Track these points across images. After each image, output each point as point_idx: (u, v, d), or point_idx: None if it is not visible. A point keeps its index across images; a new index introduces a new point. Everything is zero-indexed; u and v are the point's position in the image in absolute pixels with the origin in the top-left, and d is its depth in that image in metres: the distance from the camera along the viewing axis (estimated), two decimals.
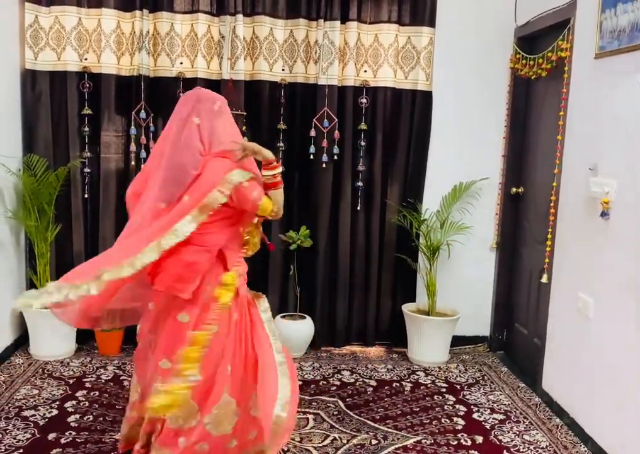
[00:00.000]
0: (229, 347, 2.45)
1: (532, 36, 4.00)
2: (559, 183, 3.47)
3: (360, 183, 4.22)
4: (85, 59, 3.96)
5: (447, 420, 3.29)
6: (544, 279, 3.55)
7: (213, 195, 2.32)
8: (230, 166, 2.37)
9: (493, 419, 3.33)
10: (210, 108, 2.43)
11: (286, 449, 2.89)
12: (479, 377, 3.91)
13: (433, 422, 3.24)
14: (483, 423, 3.27)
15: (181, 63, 4.00)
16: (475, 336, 4.44)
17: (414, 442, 3.02)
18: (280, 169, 2.47)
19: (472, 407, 3.46)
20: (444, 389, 3.68)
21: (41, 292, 2.32)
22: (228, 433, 2.46)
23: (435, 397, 3.57)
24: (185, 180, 2.36)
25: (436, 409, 3.41)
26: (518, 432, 3.18)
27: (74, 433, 2.98)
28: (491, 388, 3.74)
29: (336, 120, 4.09)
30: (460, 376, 3.90)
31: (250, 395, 2.49)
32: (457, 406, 3.46)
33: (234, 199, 2.36)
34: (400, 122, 4.20)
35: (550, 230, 3.53)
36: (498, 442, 3.07)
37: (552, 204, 3.51)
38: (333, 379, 3.76)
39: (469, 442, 3.06)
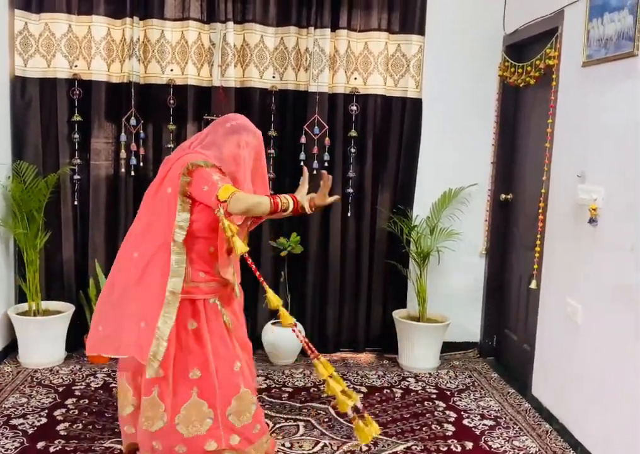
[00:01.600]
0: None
1: (521, 44, 4.03)
2: (547, 190, 3.50)
3: (351, 190, 4.23)
4: (76, 66, 3.95)
5: (437, 426, 3.29)
6: (533, 285, 3.57)
7: (181, 180, 2.36)
8: (200, 157, 2.42)
9: (483, 424, 3.34)
10: (222, 125, 2.54)
11: None
12: (469, 383, 3.92)
13: (424, 429, 3.25)
14: (473, 429, 3.28)
15: (172, 70, 4.01)
16: (465, 342, 4.46)
17: (404, 448, 3.03)
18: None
19: (462, 413, 3.47)
20: (434, 396, 3.69)
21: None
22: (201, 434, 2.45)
23: (425, 403, 3.58)
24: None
25: (427, 415, 3.41)
26: (507, 438, 3.19)
27: (63, 441, 2.96)
28: (481, 394, 3.75)
29: (327, 127, 4.11)
30: (450, 382, 3.91)
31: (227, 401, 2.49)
32: (447, 412, 3.47)
33: (192, 185, 2.34)
34: (391, 129, 4.22)
35: (539, 236, 3.56)
36: (488, 448, 3.08)
37: (540, 211, 3.54)
38: (323, 386, 3.74)
39: (459, 449, 3.06)
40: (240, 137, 2.48)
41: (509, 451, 3.06)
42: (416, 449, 3.03)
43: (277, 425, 3.20)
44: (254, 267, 2.32)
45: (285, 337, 4.02)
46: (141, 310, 2.41)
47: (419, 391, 3.75)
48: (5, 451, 2.84)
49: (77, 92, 3.97)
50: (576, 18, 3.21)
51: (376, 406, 3.50)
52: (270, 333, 4.06)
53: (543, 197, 3.52)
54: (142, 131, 4.03)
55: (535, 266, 3.57)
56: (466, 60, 4.23)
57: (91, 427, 3.11)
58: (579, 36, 3.18)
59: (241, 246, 2.24)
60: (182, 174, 2.35)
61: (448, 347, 4.30)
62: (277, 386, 3.73)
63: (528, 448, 3.09)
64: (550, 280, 3.44)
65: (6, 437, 2.97)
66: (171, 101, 4.03)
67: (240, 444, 2.49)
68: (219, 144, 2.46)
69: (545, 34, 3.62)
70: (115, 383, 3.65)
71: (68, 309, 4.00)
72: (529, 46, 3.95)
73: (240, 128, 2.50)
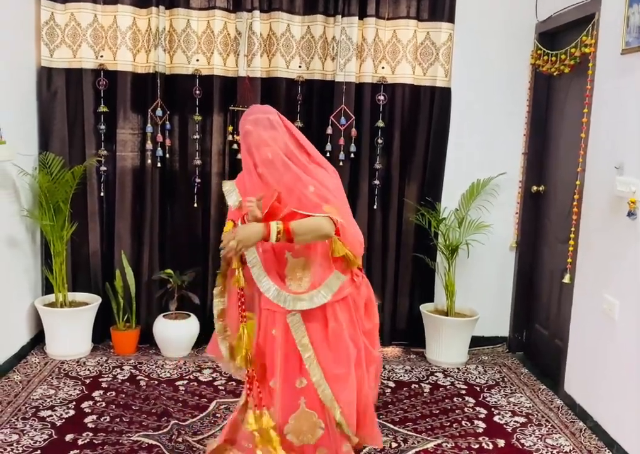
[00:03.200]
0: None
1: (554, 31, 3.92)
2: (582, 182, 3.40)
3: (377, 182, 4.16)
4: (101, 56, 3.92)
5: (468, 422, 3.23)
6: (566, 279, 3.48)
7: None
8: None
9: (514, 421, 3.27)
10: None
11: None
12: (498, 378, 3.85)
13: (454, 425, 3.19)
14: (504, 426, 3.21)
15: (197, 60, 3.96)
16: (494, 336, 4.38)
17: (434, 445, 2.97)
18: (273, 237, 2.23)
19: (492, 409, 3.40)
20: (464, 391, 3.63)
21: None
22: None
23: (455, 399, 3.51)
24: None
25: (456, 411, 3.35)
26: (540, 436, 3.12)
27: (91, 434, 2.95)
28: (511, 390, 3.67)
29: (353, 117, 4.04)
30: (479, 378, 3.85)
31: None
32: (477, 408, 3.41)
33: None
34: (419, 119, 4.13)
35: (573, 229, 3.46)
36: (520, 446, 3.01)
37: (575, 203, 3.44)
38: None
39: (491, 446, 3.00)
40: None
41: (542, 449, 2.99)
42: (446, 446, 2.97)
43: None
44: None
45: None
46: None
47: (448, 387, 3.69)
48: (34, 443, 2.84)
49: (103, 82, 3.94)
50: (615, 4, 3.10)
51: (404, 401, 3.45)
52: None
53: (578, 189, 3.42)
54: (167, 122, 4.00)
55: (569, 260, 3.47)
56: (497, 48, 4.12)
57: (118, 420, 3.10)
58: (618, 23, 3.06)
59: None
60: None
61: (476, 342, 4.22)
62: None
63: (561, 447, 3.01)
64: (586, 274, 3.35)
65: (35, 429, 2.97)
66: (197, 92, 3.98)
67: None
68: None
69: (580, 21, 3.50)
70: (141, 375, 3.65)
71: (95, 300, 4.00)
72: (563, 34, 3.84)
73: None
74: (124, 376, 3.65)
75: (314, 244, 2.30)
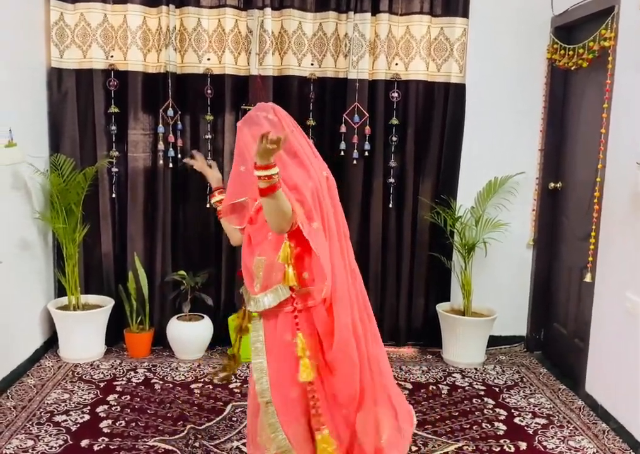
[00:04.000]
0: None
1: (571, 25, 3.85)
2: (603, 179, 3.33)
3: (392, 180, 4.11)
4: (112, 56, 3.88)
5: (488, 425, 3.17)
6: (588, 278, 3.41)
7: None
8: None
9: (535, 423, 3.21)
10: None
11: None
12: (517, 379, 3.79)
13: (474, 427, 3.14)
14: (525, 428, 3.16)
15: (209, 59, 3.91)
16: (511, 336, 4.32)
17: (455, 449, 2.92)
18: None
19: (512, 410, 3.34)
20: (482, 392, 3.57)
21: None
22: None
23: (474, 400, 3.46)
24: None
25: (476, 413, 3.30)
26: (562, 438, 3.06)
27: (106, 439, 2.92)
28: (530, 391, 3.61)
29: (367, 115, 3.98)
30: (498, 378, 3.79)
31: None
32: (497, 410, 3.35)
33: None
34: (433, 116, 4.07)
35: (594, 227, 3.39)
36: (543, 449, 2.95)
37: (596, 200, 3.37)
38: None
39: (513, 449, 2.94)
40: None
41: (566, 452, 2.93)
42: (467, 449, 2.92)
43: None
44: None
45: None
46: None
47: (466, 388, 3.63)
48: (49, 449, 2.81)
49: (114, 83, 3.90)
50: None
51: (422, 403, 3.39)
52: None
53: (599, 186, 3.35)
54: (179, 122, 3.95)
55: (590, 258, 3.40)
56: (512, 43, 4.05)
57: (134, 424, 3.07)
58: (638, 16, 2.99)
59: None
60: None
61: (493, 341, 4.16)
62: None
63: (585, 449, 2.95)
64: (607, 273, 3.28)
65: (50, 435, 2.93)
66: (208, 91, 3.94)
67: None
68: None
69: (599, 14, 3.44)
70: (156, 378, 3.61)
71: (108, 303, 3.97)
72: (580, 28, 3.77)
73: None
74: (138, 379, 3.61)
75: (276, 245, 2.08)
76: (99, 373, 3.67)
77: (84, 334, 3.84)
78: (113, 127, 3.94)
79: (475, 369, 3.91)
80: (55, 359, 3.84)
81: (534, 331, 4.26)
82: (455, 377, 3.79)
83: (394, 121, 4.05)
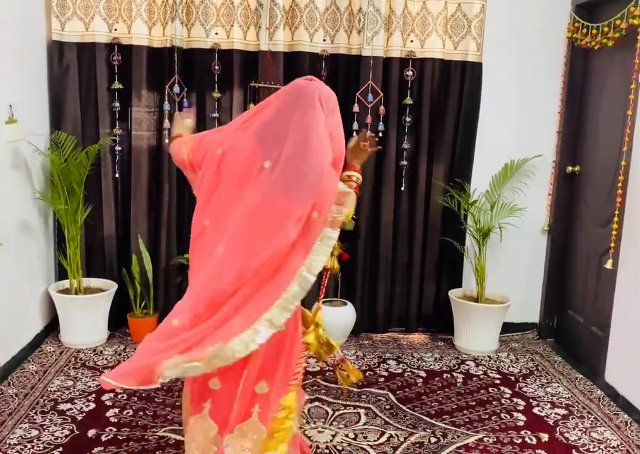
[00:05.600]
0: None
1: (593, 2, 3.71)
2: (628, 162, 3.21)
3: (405, 162, 3.98)
4: (115, 30, 3.70)
5: (507, 415, 3.08)
6: (609, 265, 3.31)
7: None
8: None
9: (555, 414, 3.12)
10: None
11: (340, 448, 2.70)
12: (532, 367, 3.70)
13: (493, 418, 3.04)
14: (545, 418, 3.07)
15: (216, 33, 3.74)
16: (523, 323, 4.23)
17: (475, 440, 2.82)
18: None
19: (530, 400, 3.26)
20: (498, 381, 3.48)
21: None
22: None
23: (490, 389, 3.37)
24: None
25: (493, 403, 3.21)
26: (584, 429, 2.97)
27: (114, 429, 2.80)
28: (547, 380, 3.53)
29: (381, 94, 3.83)
30: (512, 366, 3.70)
31: None
32: (515, 399, 3.26)
33: None
34: (449, 95, 3.93)
35: (617, 212, 3.28)
36: (565, 441, 2.86)
37: (619, 184, 3.25)
38: (380, 370, 3.56)
39: (534, 441, 2.85)
40: None
41: (589, 444, 2.84)
42: (487, 441, 2.82)
43: (337, 413, 3.01)
44: None
45: (335, 316, 3.82)
46: None
47: (481, 376, 3.54)
48: (55, 439, 2.69)
49: (117, 57, 3.73)
50: None
51: (438, 392, 3.30)
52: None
53: (624, 170, 3.23)
54: (185, 99, 3.80)
55: (612, 245, 3.30)
56: (531, 21, 3.91)
57: (142, 413, 2.95)
58: None
59: None
60: None
61: (504, 328, 4.05)
62: (330, 369, 3.54)
63: (608, 441, 2.87)
64: (630, 259, 3.18)
65: (55, 424, 2.82)
66: (216, 67, 3.78)
67: None
68: None
69: None
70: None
71: (111, 286, 3.83)
72: (603, 5, 3.63)
73: None
74: None
75: None
76: (102, 359, 3.56)
77: (86, 319, 3.71)
78: (117, 104, 3.78)
79: (489, 357, 3.82)
80: (57, 344, 3.72)
81: (547, 318, 4.16)
82: (468, 365, 3.69)
83: (408, 101, 3.91)
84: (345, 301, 3.98)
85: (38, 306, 3.72)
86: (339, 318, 3.88)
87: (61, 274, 3.90)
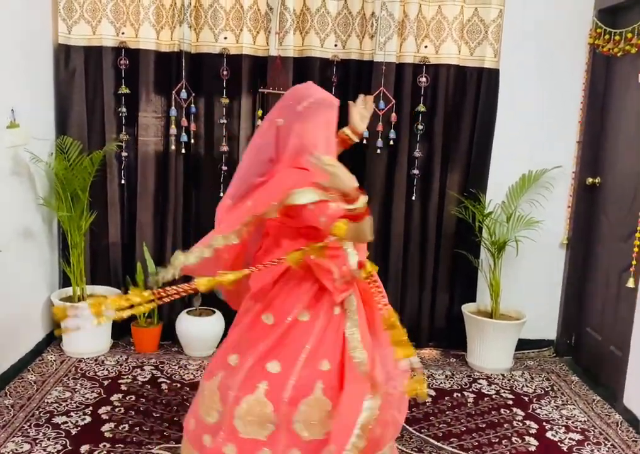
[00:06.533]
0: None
1: (616, 7, 3.56)
2: None
3: (417, 171, 3.85)
4: (122, 33, 3.64)
5: (518, 439, 2.94)
6: (630, 283, 3.15)
7: (268, 210, 1.99)
8: (298, 181, 1.96)
9: (570, 439, 2.97)
10: (293, 108, 2.04)
11: None
12: (547, 387, 3.54)
13: (503, 442, 2.90)
14: (559, 444, 2.92)
15: (225, 38, 3.66)
16: (539, 339, 4.07)
17: None
18: (362, 200, 1.87)
19: (544, 423, 3.11)
20: (510, 402, 3.33)
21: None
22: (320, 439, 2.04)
23: (502, 411, 3.22)
24: (249, 184, 2.11)
25: (505, 425, 3.06)
26: None
27: (108, 445, 2.71)
28: (562, 401, 3.37)
29: (393, 101, 3.72)
30: (526, 386, 3.55)
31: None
32: (527, 422, 3.11)
33: (296, 218, 1.99)
34: (464, 103, 3.80)
35: (639, 227, 3.12)
36: None
37: None
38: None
39: None
40: None
41: None
42: None
43: None
44: None
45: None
46: None
47: (494, 396, 3.39)
48: None
49: (124, 62, 3.66)
50: None
51: (447, 413, 3.16)
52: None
53: None
54: (192, 105, 3.71)
55: (634, 262, 3.14)
56: (551, 26, 3.76)
57: (137, 428, 2.86)
58: None
59: None
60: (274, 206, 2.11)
61: (520, 344, 3.90)
62: None
63: None
64: None
65: (48, 438, 2.74)
66: (224, 72, 3.69)
67: None
68: None
69: None
70: (163, 377, 3.41)
71: (115, 294, 3.75)
72: (627, 10, 3.48)
73: None
74: (144, 377, 3.41)
75: None
76: (103, 370, 3.48)
77: (88, 327, 3.62)
78: (123, 109, 3.71)
79: (502, 375, 3.67)
80: (58, 352, 3.65)
81: (564, 335, 4.00)
82: (481, 383, 3.55)
83: (421, 108, 3.78)
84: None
85: (40, 314, 3.66)
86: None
87: (65, 281, 3.83)
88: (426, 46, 3.74)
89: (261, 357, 2.06)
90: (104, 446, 2.71)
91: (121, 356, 3.67)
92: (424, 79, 3.77)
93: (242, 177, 2.17)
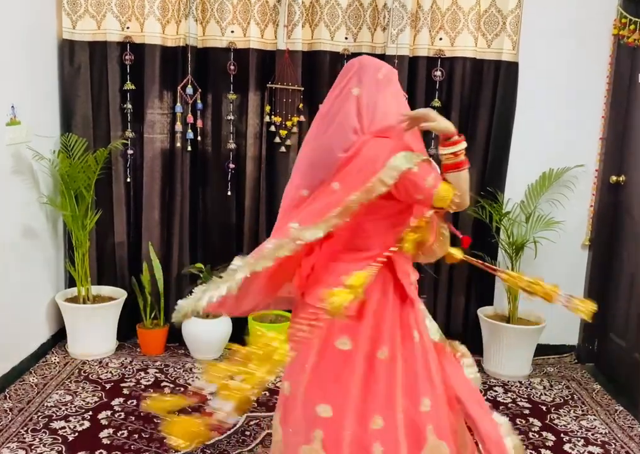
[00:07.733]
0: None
1: None
2: None
3: None
4: (127, 28, 3.55)
5: (533, 452, 2.79)
6: None
7: (373, 186, 1.76)
8: (393, 147, 1.79)
9: (588, 452, 2.81)
10: (373, 77, 1.91)
11: None
12: (567, 396, 3.38)
13: None
14: None
15: (232, 31, 3.55)
16: (560, 345, 3.90)
17: None
18: (463, 144, 1.79)
19: (561, 435, 2.95)
20: (527, 411, 3.18)
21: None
22: None
23: (518, 420, 3.07)
24: (331, 163, 1.84)
25: (520, 436, 2.90)
26: None
27: (104, 452, 2.63)
28: (582, 411, 3.20)
29: (406, 95, 3.56)
30: (545, 394, 3.38)
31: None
32: (544, 433, 2.96)
33: (400, 190, 1.78)
34: (480, 98, 3.64)
35: None
36: None
37: None
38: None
39: None
40: None
41: None
42: None
43: None
44: None
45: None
46: None
47: (510, 405, 3.24)
48: None
49: (129, 57, 3.57)
50: None
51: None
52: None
53: None
54: (199, 101, 3.61)
55: None
56: (572, 16, 3.58)
57: (136, 435, 2.77)
58: None
59: None
60: (382, 180, 1.88)
61: (539, 350, 3.73)
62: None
63: None
64: None
65: (44, 444, 2.66)
66: (231, 67, 3.59)
67: None
68: None
69: None
70: (167, 381, 3.33)
71: (120, 295, 3.68)
72: None
73: None
74: (148, 381, 3.33)
75: None
76: (107, 372, 3.40)
77: (94, 328, 3.57)
78: (129, 105, 3.62)
79: (520, 382, 3.51)
80: (63, 354, 3.59)
81: (587, 341, 3.83)
82: (497, 391, 3.40)
83: (436, 103, 3.63)
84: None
85: (44, 315, 3.60)
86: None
87: (71, 282, 3.77)
88: (440, 39, 3.59)
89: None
90: (101, 453, 2.63)
91: (126, 358, 3.59)
92: (439, 73, 3.62)
93: (314, 162, 1.91)
